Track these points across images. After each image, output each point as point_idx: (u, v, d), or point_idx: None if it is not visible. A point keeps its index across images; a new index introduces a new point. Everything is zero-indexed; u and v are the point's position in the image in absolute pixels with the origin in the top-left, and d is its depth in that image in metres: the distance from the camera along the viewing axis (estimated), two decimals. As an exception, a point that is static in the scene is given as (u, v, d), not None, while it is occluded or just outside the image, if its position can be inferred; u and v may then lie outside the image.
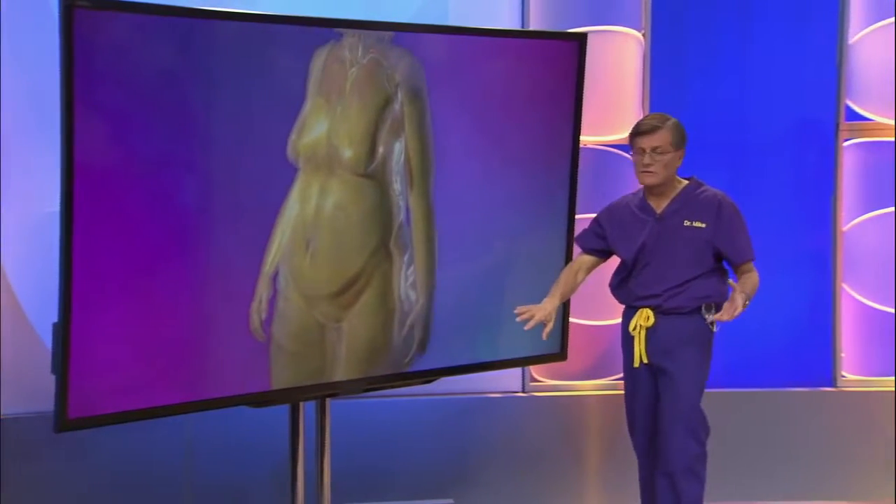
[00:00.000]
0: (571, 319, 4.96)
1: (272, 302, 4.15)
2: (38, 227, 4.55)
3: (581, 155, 4.84)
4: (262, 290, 4.13)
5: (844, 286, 5.45)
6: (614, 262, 4.56)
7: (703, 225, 4.37)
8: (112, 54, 3.72)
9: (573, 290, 4.54)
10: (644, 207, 4.43)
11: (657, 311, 4.39)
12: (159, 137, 3.86)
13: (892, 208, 5.40)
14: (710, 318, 4.34)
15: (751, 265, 4.41)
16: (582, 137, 4.84)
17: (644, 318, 4.40)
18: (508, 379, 5.25)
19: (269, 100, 4.07)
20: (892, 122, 5.37)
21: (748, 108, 5.40)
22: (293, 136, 4.13)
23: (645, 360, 4.40)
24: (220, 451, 4.96)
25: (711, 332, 4.40)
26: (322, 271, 4.26)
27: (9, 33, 4.52)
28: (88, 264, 3.74)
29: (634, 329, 4.42)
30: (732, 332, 5.40)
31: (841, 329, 5.45)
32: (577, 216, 4.82)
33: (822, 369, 5.49)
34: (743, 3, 5.39)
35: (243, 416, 4.45)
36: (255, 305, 4.13)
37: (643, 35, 5.25)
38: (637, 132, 4.36)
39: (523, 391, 5.31)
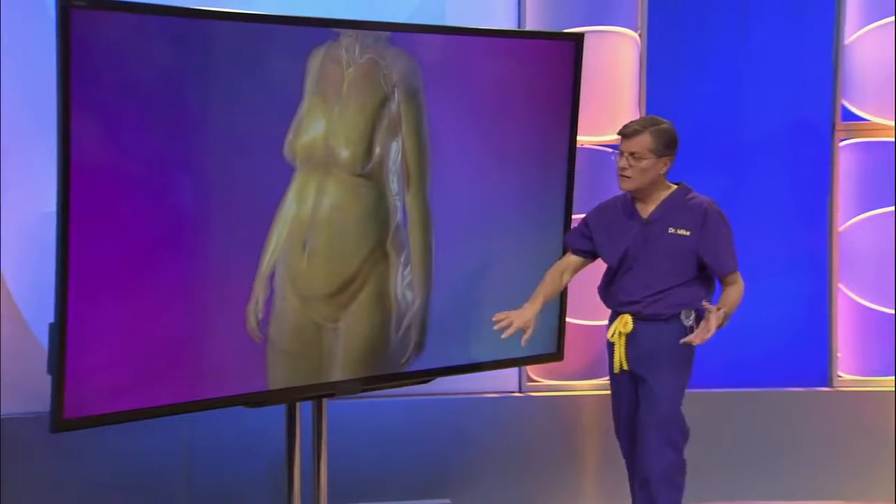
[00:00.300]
0: (568, 319, 4.96)
1: (269, 302, 4.15)
2: (34, 228, 4.54)
3: (577, 155, 4.84)
4: (259, 291, 4.13)
5: (840, 286, 5.46)
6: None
7: (688, 233, 4.31)
8: (109, 54, 3.71)
9: (557, 291, 4.52)
10: (631, 212, 4.39)
11: (636, 317, 4.34)
12: (156, 137, 3.86)
13: (889, 208, 5.41)
14: (688, 322, 4.29)
15: (735, 276, 4.37)
16: (578, 137, 4.84)
17: (623, 324, 4.36)
18: (505, 379, 5.25)
19: (266, 100, 4.07)
20: (889, 122, 5.38)
21: (744, 109, 5.40)
22: (290, 136, 4.13)
23: (625, 367, 4.37)
24: (217, 452, 4.95)
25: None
26: (319, 271, 4.26)
27: (6, 33, 4.51)
28: (84, 264, 3.73)
29: (613, 335, 4.38)
30: (729, 332, 5.41)
31: (837, 329, 5.46)
32: (573, 216, 4.82)
33: (818, 369, 5.49)
34: (739, 3, 5.39)
35: (240, 417, 4.44)
36: (251, 306, 4.12)
37: (639, 35, 5.25)
38: (619, 133, 4.32)
39: (520, 391, 5.31)
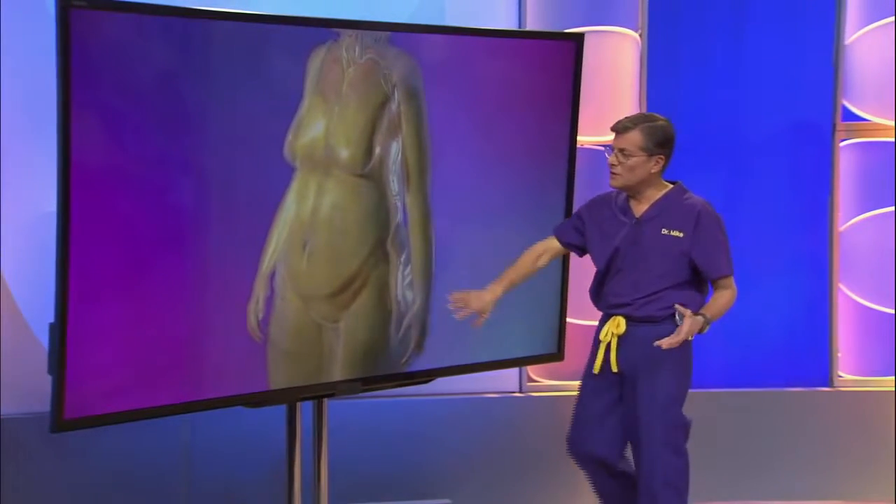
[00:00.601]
0: (568, 320, 4.96)
1: (269, 302, 4.15)
2: (35, 228, 4.54)
3: (578, 155, 4.84)
4: (259, 290, 4.13)
5: (841, 286, 5.46)
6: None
7: (681, 234, 4.20)
8: (109, 54, 3.71)
9: (528, 275, 4.41)
10: (624, 210, 4.29)
11: (629, 319, 4.24)
12: (156, 137, 3.86)
13: (889, 208, 5.41)
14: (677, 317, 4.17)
15: (728, 281, 4.26)
16: (579, 137, 4.84)
17: (616, 325, 4.25)
18: (505, 379, 5.25)
19: (267, 100, 4.07)
20: (889, 123, 5.38)
21: (745, 109, 5.40)
22: (290, 136, 4.13)
23: (615, 369, 4.26)
24: (217, 452, 4.95)
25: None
26: (319, 271, 4.26)
27: (6, 33, 4.51)
28: (85, 264, 3.73)
29: (606, 336, 4.26)
30: (729, 332, 5.41)
31: (837, 329, 5.46)
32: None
33: (818, 369, 5.49)
34: (740, 4, 5.39)
35: (240, 417, 4.44)
36: (252, 305, 4.12)
37: (640, 35, 5.25)
38: (612, 129, 4.24)
39: (520, 391, 5.31)
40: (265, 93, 4.07)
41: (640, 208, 4.26)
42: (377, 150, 4.33)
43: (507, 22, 5.15)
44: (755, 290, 5.44)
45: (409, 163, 4.42)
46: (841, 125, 5.39)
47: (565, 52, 4.73)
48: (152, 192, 3.87)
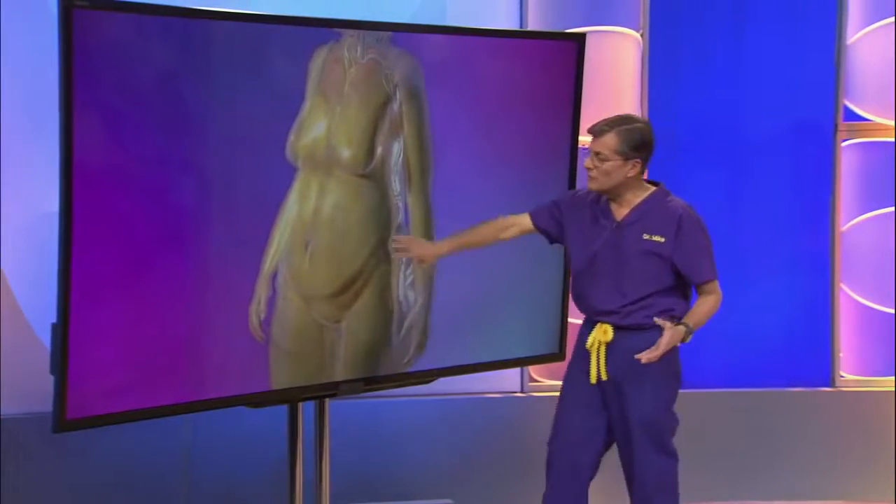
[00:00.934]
0: (569, 319, 4.96)
1: (271, 302, 4.15)
2: (36, 228, 4.54)
3: (579, 155, 4.84)
4: (261, 291, 4.13)
5: (843, 286, 5.46)
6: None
7: (663, 239, 4.07)
8: (111, 54, 3.71)
9: (486, 244, 4.34)
10: (605, 211, 4.16)
11: (616, 327, 4.12)
12: (158, 137, 3.86)
13: (891, 208, 5.41)
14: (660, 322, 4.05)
15: (713, 286, 4.12)
16: (580, 138, 4.84)
17: (602, 332, 4.13)
18: (507, 379, 5.25)
19: (268, 100, 4.07)
20: (891, 123, 5.38)
21: (746, 109, 5.40)
22: (292, 137, 4.13)
23: (604, 377, 4.14)
24: (219, 452, 4.95)
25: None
26: (321, 271, 4.26)
27: (7, 33, 4.51)
28: (87, 264, 3.73)
29: (592, 345, 4.15)
30: (731, 332, 5.42)
31: (839, 329, 5.46)
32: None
33: (820, 369, 5.50)
34: (741, 4, 5.39)
35: (242, 417, 4.45)
36: (253, 306, 4.12)
37: (641, 35, 5.25)
38: (588, 131, 4.14)
39: (522, 391, 5.31)
40: (267, 93, 4.07)
41: (620, 212, 4.14)
42: (379, 150, 4.33)
43: (508, 22, 5.16)
44: (756, 291, 5.45)
45: (411, 163, 4.42)
46: (843, 125, 5.40)
47: (567, 52, 4.73)
48: (154, 192, 3.87)
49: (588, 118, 4.95)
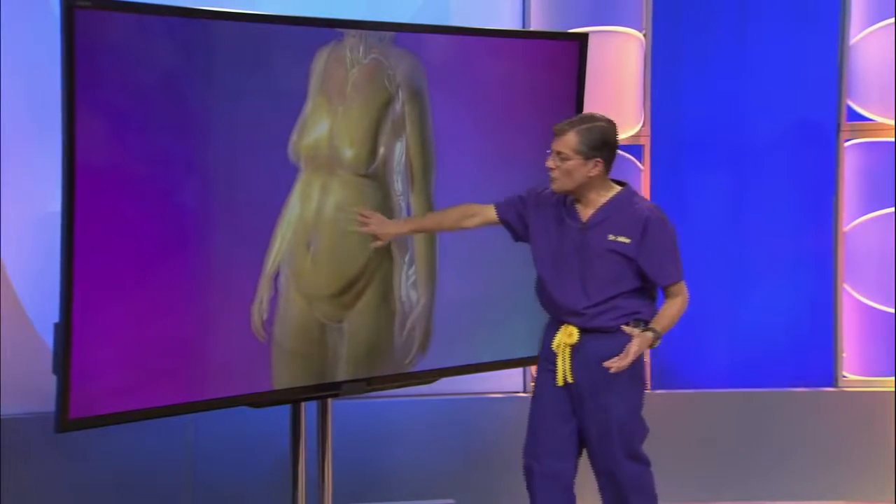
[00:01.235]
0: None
1: (273, 302, 4.16)
2: (39, 227, 4.55)
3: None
4: (264, 291, 4.13)
5: (845, 286, 5.45)
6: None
7: (628, 240, 3.99)
8: (113, 54, 3.72)
9: (447, 229, 4.31)
10: (571, 213, 4.07)
11: (582, 330, 4.04)
12: (161, 137, 3.86)
13: (893, 209, 5.40)
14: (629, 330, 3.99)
15: (679, 287, 4.05)
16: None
17: (567, 334, 4.05)
18: (510, 379, 5.25)
19: (271, 100, 4.07)
20: (893, 123, 5.37)
21: (749, 109, 5.40)
22: (294, 137, 4.14)
23: (570, 380, 4.07)
24: (222, 452, 4.95)
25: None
26: (323, 271, 4.26)
27: (8, 33, 4.52)
28: (90, 264, 3.74)
29: (558, 347, 4.07)
30: (734, 332, 5.41)
31: (842, 329, 5.46)
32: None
33: (823, 369, 5.49)
34: (744, 4, 5.39)
35: (244, 417, 4.45)
36: (256, 306, 4.13)
37: (644, 35, 5.25)
38: (552, 129, 4.03)
39: (524, 391, 5.31)
40: (269, 93, 4.07)
41: (586, 212, 4.05)
42: (381, 150, 4.33)
43: (511, 22, 5.16)
44: (759, 291, 5.44)
45: (413, 163, 4.42)
46: (845, 125, 5.39)
47: (569, 52, 4.73)
48: (156, 192, 3.88)
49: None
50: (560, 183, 4.00)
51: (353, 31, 4.21)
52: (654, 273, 4.03)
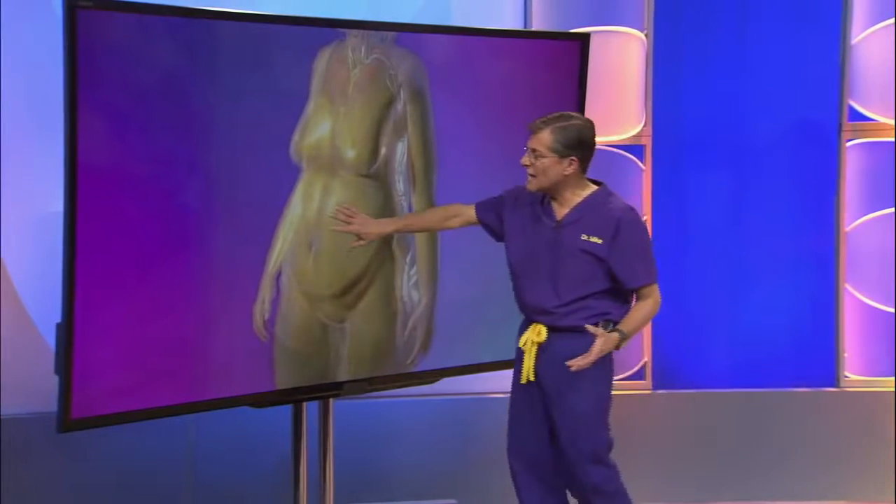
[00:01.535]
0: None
1: (275, 302, 4.16)
2: (40, 227, 4.55)
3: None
4: (266, 291, 4.13)
5: (847, 286, 5.45)
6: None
7: (600, 240, 3.95)
8: (115, 54, 3.72)
9: (430, 229, 4.31)
10: (547, 211, 4.04)
11: (551, 329, 4.01)
12: (162, 137, 3.86)
13: (894, 209, 5.40)
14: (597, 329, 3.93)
15: (648, 290, 4.00)
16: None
17: (536, 333, 4.03)
18: (511, 379, 5.23)
19: (273, 100, 4.07)
20: (894, 123, 5.37)
21: (751, 109, 5.39)
22: (296, 137, 4.14)
23: (532, 378, 4.03)
24: (223, 452, 4.95)
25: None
26: (325, 272, 4.26)
27: (10, 33, 4.52)
28: (91, 264, 3.74)
29: (525, 344, 4.04)
30: (735, 332, 5.41)
31: (843, 329, 5.45)
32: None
33: (824, 369, 5.49)
34: (745, 4, 5.39)
35: (246, 417, 4.44)
36: (258, 306, 4.13)
37: (646, 35, 5.25)
38: (527, 127, 4.01)
39: (526, 391, 5.30)
40: (271, 93, 4.07)
41: (561, 211, 4.02)
42: (383, 150, 4.33)
43: (512, 22, 5.16)
44: (761, 291, 5.44)
45: (415, 163, 4.42)
46: (847, 125, 5.39)
47: (571, 52, 4.73)
48: (158, 191, 3.88)
49: (592, 118, 4.95)
50: (536, 181, 3.98)
51: (354, 32, 4.21)
52: (624, 274, 3.98)
